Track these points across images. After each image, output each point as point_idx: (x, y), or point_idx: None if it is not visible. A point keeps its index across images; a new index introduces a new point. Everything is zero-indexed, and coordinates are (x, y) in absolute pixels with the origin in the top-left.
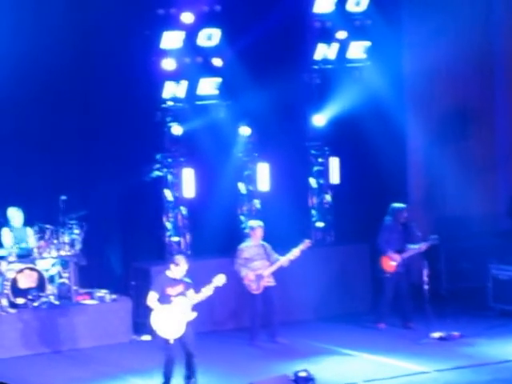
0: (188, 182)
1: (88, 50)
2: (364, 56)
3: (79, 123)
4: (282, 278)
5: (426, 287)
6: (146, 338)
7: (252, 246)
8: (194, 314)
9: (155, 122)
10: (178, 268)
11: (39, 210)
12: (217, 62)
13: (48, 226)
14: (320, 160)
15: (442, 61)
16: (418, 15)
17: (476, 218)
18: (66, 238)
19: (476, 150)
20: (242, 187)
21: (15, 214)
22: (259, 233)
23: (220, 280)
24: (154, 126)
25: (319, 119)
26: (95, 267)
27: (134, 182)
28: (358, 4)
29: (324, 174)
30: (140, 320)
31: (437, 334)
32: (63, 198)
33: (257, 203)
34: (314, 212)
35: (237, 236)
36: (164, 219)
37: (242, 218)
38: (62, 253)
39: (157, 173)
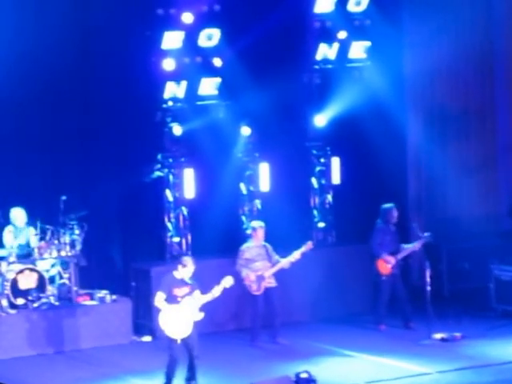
0: (189, 183)
1: (88, 50)
2: (364, 56)
3: (79, 123)
4: (283, 278)
5: (427, 288)
6: (147, 339)
7: (253, 246)
8: (202, 315)
9: (155, 122)
10: (186, 269)
11: (39, 211)
12: (217, 62)
13: (48, 226)
14: (322, 160)
15: (443, 60)
16: (419, 15)
17: (477, 219)
18: (67, 239)
19: (477, 150)
20: (242, 187)
21: (18, 214)
22: (261, 233)
23: (228, 281)
24: (155, 126)
25: (320, 119)
26: (95, 268)
27: (135, 182)
28: (358, 4)
29: (325, 174)
30: (140, 321)
31: (438, 335)
32: (63, 198)
33: (258, 203)
34: (315, 212)
35: (237, 236)
36: (165, 219)
37: (243, 218)
38: (63, 253)
39: (157, 173)
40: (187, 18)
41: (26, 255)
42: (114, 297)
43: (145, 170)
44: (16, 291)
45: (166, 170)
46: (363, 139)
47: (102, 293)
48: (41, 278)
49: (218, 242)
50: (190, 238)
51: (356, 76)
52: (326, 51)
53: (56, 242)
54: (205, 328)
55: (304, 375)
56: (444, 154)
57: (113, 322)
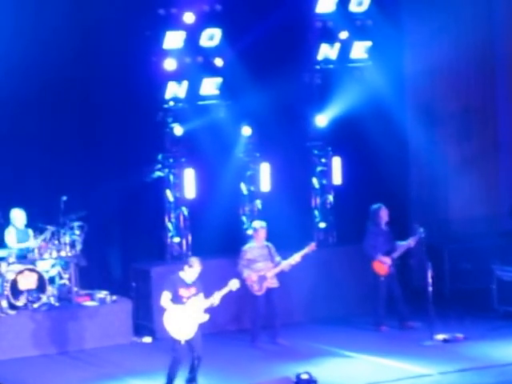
0: (189, 183)
1: (89, 50)
2: (365, 56)
3: (80, 124)
4: (283, 279)
5: (429, 289)
6: (147, 339)
7: (255, 247)
8: (207, 316)
9: (156, 122)
10: (192, 270)
11: (40, 211)
12: (218, 62)
13: (48, 226)
14: (322, 160)
15: (444, 60)
16: (420, 15)
17: (479, 219)
18: (67, 239)
19: (478, 150)
20: (243, 188)
21: (18, 215)
22: (262, 234)
23: (234, 284)
24: (155, 126)
25: (321, 119)
26: (96, 268)
27: (135, 182)
28: (359, 4)
29: (326, 174)
30: (140, 321)
31: (440, 336)
32: (64, 198)
33: (258, 204)
34: (316, 212)
35: (238, 237)
36: (165, 220)
37: (244, 218)
38: (63, 254)
39: (158, 173)
40: (188, 17)
41: (25, 256)
42: (114, 297)
43: (145, 170)
44: (16, 292)
45: (166, 170)
46: (364, 139)
47: (102, 293)
48: (41, 279)
49: (219, 243)
50: (190, 238)
51: (357, 76)
52: (327, 51)
53: (56, 242)
54: (206, 329)
55: (304, 376)
56: (445, 154)
57: (113, 323)
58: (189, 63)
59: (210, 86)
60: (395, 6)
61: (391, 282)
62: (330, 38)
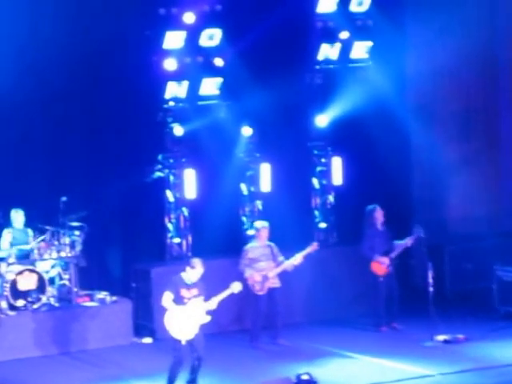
0: (190, 183)
1: (89, 50)
2: (366, 56)
3: (80, 124)
4: (284, 279)
5: (430, 289)
6: (147, 340)
7: (258, 246)
8: (208, 318)
9: (157, 122)
10: (194, 271)
11: (39, 211)
12: (218, 61)
13: (48, 227)
14: (323, 160)
15: (445, 61)
16: (421, 15)
17: (480, 219)
18: (67, 240)
19: (479, 150)
20: (243, 188)
21: (17, 216)
22: (264, 234)
23: (237, 287)
24: (156, 126)
25: (322, 119)
26: (96, 269)
27: (136, 182)
28: (360, 4)
29: (327, 174)
30: (140, 322)
31: (441, 337)
32: (64, 199)
33: (259, 204)
34: (316, 213)
35: (238, 237)
36: (165, 220)
37: (244, 219)
38: (63, 254)
39: (158, 173)
40: (189, 17)
41: (25, 256)
42: (114, 298)
43: (145, 170)
44: (15, 292)
45: (166, 171)
46: (365, 139)
47: (102, 294)
48: (40, 279)
49: (219, 243)
50: (190, 238)
51: (358, 76)
52: (327, 51)
53: (56, 242)
54: (207, 329)
55: (305, 377)
56: (446, 155)
57: (113, 323)
58: (189, 63)
59: (210, 86)
60: (396, 6)
61: (390, 281)
62: (331, 38)
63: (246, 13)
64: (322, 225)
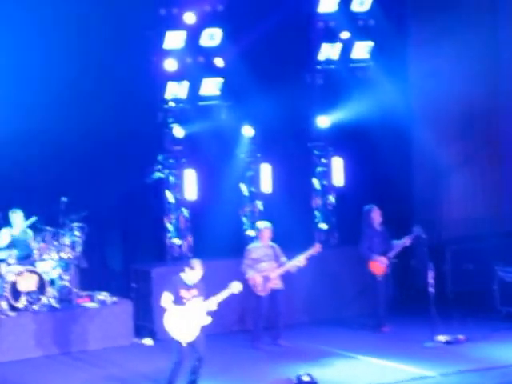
0: (190, 184)
1: (89, 51)
2: (368, 56)
3: (80, 124)
4: (285, 279)
5: (431, 289)
6: (147, 341)
7: (260, 246)
8: (209, 319)
9: (157, 122)
10: (194, 272)
11: (40, 212)
12: (219, 62)
13: (48, 227)
14: (323, 161)
15: (447, 61)
16: (423, 15)
17: (481, 220)
18: (67, 240)
19: (481, 150)
20: (244, 188)
21: (17, 216)
22: (266, 234)
23: (236, 287)
24: (156, 126)
25: (322, 120)
26: (96, 269)
27: (136, 183)
28: (361, 4)
29: (327, 174)
30: (141, 323)
31: (442, 338)
32: (64, 199)
33: (259, 205)
34: (317, 213)
35: (239, 238)
36: (165, 221)
37: (245, 219)
38: (63, 255)
39: (158, 174)
40: (189, 17)
41: (25, 257)
42: (115, 298)
43: (146, 171)
44: (16, 293)
45: (166, 171)
46: (366, 140)
47: (103, 294)
48: (41, 280)
49: (220, 244)
50: (190, 239)
51: (359, 76)
52: (329, 51)
53: (56, 243)
54: (208, 329)
55: (306, 378)
56: (448, 155)
57: (113, 324)
58: (189, 63)
59: (210, 87)
60: (398, 6)
61: (387, 281)
62: (332, 38)
63: (247, 13)
64: (323, 226)
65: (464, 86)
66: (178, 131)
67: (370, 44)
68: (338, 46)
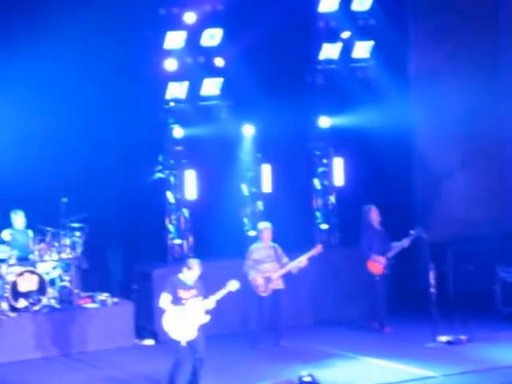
0: (190, 184)
1: (89, 50)
2: (368, 56)
3: (80, 124)
4: (286, 280)
5: (432, 290)
6: (149, 342)
7: (262, 247)
8: (208, 318)
9: (157, 123)
10: (191, 272)
11: (40, 212)
12: (219, 62)
13: (49, 228)
14: (324, 161)
15: (447, 60)
16: (423, 14)
17: (483, 220)
18: (67, 241)
19: (482, 150)
20: (244, 189)
21: (17, 217)
22: (267, 234)
23: (234, 285)
24: (156, 127)
25: (323, 120)
26: (97, 270)
27: (136, 183)
28: (362, 3)
29: (328, 175)
30: (142, 323)
31: (444, 338)
32: (64, 200)
33: (260, 205)
34: (318, 214)
35: (240, 238)
36: (166, 221)
37: (245, 220)
38: (63, 256)
39: (159, 174)
40: (190, 17)
41: (25, 258)
42: (116, 299)
43: (146, 171)
44: (16, 294)
45: (167, 172)
46: (367, 140)
47: (104, 295)
48: (41, 281)
49: (220, 244)
50: (191, 239)
51: (360, 76)
52: (329, 51)
53: (56, 244)
54: (210, 330)
55: (307, 379)
56: (449, 156)
57: (114, 325)
58: (190, 63)
59: (211, 87)
60: (398, 6)
61: (385, 281)
62: (333, 38)
63: (247, 13)
64: (324, 226)
65: (464, 86)
66: (179, 131)
67: (370, 43)
68: (339, 46)
